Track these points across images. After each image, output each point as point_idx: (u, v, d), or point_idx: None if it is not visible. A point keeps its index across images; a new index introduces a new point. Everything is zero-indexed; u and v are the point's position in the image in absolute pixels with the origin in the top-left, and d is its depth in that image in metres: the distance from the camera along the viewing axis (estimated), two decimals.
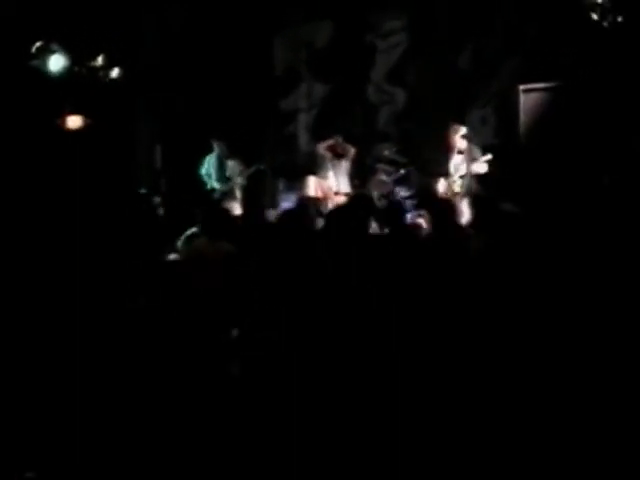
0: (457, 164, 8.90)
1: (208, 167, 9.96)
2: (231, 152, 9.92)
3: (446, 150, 9.04)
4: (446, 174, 8.95)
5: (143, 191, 9.30)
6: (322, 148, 9.53)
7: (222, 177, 9.89)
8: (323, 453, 3.05)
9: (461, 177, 8.82)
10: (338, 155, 9.47)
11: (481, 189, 8.54)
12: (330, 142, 9.49)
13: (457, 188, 8.74)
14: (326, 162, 9.50)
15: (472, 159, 8.81)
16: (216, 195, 9.81)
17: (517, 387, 3.19)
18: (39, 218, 7.28)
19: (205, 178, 9.96)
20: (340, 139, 9.47)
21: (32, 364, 3.66)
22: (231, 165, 9.90)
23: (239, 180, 9.89)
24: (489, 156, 8.82)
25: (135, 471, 3.19)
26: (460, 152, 8.93)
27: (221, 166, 9.90)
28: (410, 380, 3.23)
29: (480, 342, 3.36)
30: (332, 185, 9.43)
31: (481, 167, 8.75)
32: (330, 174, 9.45)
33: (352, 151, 9.53)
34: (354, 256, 4.11)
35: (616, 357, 3.25)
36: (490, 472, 2.99)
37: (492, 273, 4.01)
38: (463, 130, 8.87)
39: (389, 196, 9.40)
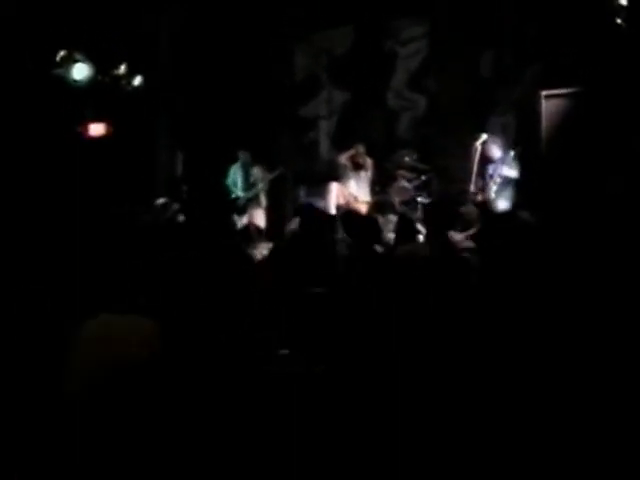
0: (491, 172, 8.83)
1: (234, 176, 10.00)
2: (255, 160, 9.94)
3: (470, 164, 8.98)
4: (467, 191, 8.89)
5: (163, 199, 9.35)
6: (343, 158, 9.54)
7: (247, 185, 9.92)
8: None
9: (494, 183, 8.75)
10: (358, 166, 9.48)
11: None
12: (351, 152, 9.49)
13: (492, 194, 8.69)
14: (347, 171, 9.52)
15: (502, 163, 8.74)
16: (241, 202, 9.83)
17: (522, 393, 3.17)
18: (59, 223, 7.36)
19: (231, 187, 9.99)
20: (361, 148, 9.46)
21: (31, 364, 3.67)
22: (255, 172, 9.94)
23: (262, 186, 9.92)
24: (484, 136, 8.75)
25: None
26: (490, 161, 8.86)
27: (246, 174, 9.95)
28: (413, 386, 3.22)
29: (483, 351, 3.33)
30: (353, 192, 9.45)
31: (512, 171, 8.69)
32: (352, 182, 9.47)
33: (370, 163, 9.53)
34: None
35: (628, 368, 3.22)
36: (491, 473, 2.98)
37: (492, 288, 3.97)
38: (484, 137, 8.82)
39: (410, 202, 9.39)
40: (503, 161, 8.74)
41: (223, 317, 3.76)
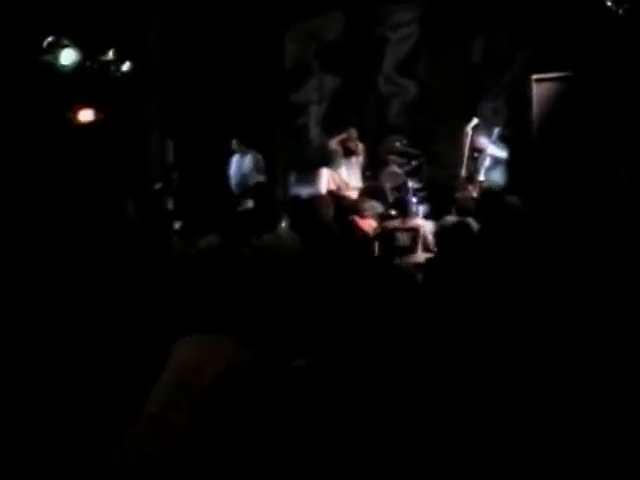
0: (480, 163, 8.86)
1: (238, 165, 9.96)
2: (247, 146, 9.89)
3: (459, 148, 8.98)
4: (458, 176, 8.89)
5: (158, 186, 9.30)
6: (334, 143, 9.52)
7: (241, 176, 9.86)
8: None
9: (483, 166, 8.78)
10: (349, 151, 9.45)
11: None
12: (343, 136, 9.46)
13: (482, 177, 8.72)
14: (338, 157, 9.49)
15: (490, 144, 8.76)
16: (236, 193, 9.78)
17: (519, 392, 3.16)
18: (48, 211, 7.31)
19: (235, 177, 9.95)
20: (354, 132, 9.44)
21: (31, 364, 3.64)
22: (247, 161, 9.89)
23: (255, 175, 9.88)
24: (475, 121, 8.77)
25: None
26: (480, 150, 8.88)
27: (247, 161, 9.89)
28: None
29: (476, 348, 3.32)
30: (345, 178, 9.42)
31: (500, 152, 8.72)
32: (343, 168, 9.43)
33: (362, 148, 9.51)
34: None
35: (618, 360, 3.21)
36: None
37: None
38: (475, 121, 8.84)
39: (401, 188, 9.39)
40: (491, 141, 8.78)
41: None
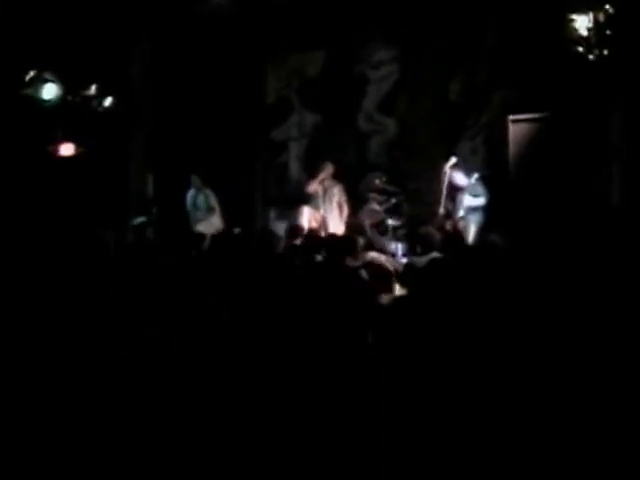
0: (458, 202, 8.93)
1: (192, 200, 9.90)
2: (209, 183, 9.86)
3: (440, 187, 9.06)
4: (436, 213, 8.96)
5: (140, 220, 9.28)
6: (312, 188, 9.51)
7: (207, 208, 9.83)
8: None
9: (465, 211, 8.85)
10: (327, 191, 9.46)
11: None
12: (321, 176, 9.47)
13: (459, 219, 8.77)
14: (317, 199, 9.51)
15: (474, 195, 8.83)
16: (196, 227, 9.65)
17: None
18: (28, 243, 7.28)
19: (191, 213, 9.89)
20: (330, 167, 9.47)
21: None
22: (210, 195, 9.87)
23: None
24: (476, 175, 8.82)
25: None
26: (458, 189, 8.96)
27: (204, 198, 9.86)
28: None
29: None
30: (326, 216, 9.45)
31: (476, 200, 8.79)
32: (322, 208, 9.45)
33: (339, 187, 9.52)
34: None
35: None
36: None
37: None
38: (453, 160, 8.94)
39: (380, 225, 9.46)
40: (467, 190, 8.85)
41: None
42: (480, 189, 8.80)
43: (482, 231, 8.24)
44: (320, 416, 3.16)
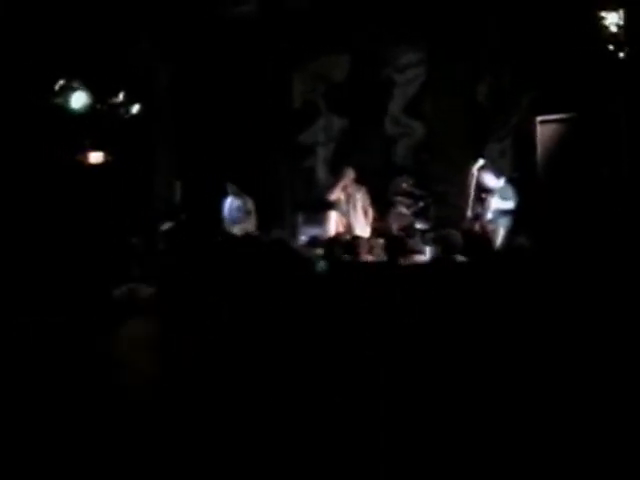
0: (487, 204, 8.85)
1: (230, 208, 10.01)
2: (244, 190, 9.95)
3: (466, 188, 8.99)
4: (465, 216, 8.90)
5: (167, 226, 9.34)
6: (334, 195, 9.48)
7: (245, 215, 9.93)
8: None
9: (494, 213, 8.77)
10: (350, 197, 9.43)
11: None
12: (343, 183, 9.45)
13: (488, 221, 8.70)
14: (341, 205, 9.51)
15: (503, 198, 8.74)
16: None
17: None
18: (60, 251, 7.37)
19: (227, 221, 9.99)
20: (352, 173, 9.44)
21: None
22: (248, 202, 9.96)
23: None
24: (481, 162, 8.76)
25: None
26: (488, 190, 8.88)
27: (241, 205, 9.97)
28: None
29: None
30: (351, 222, 9.44)
31: (505, 203, 8.70)
32: (349, 214, 9.44)
33: (363, 190, 9.49)
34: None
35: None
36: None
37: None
38: (481, 162, 8.86)
39: (408, 229, 9.40)
40: (497, 192, 8.76)
41: None
42: (510, 192, 8.71)
43: (511, 234, 8.15)
44: (320, 416, 3.15)
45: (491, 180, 8.84)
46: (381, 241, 7.66)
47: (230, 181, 9.91)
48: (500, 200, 8.72)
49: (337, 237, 7.95)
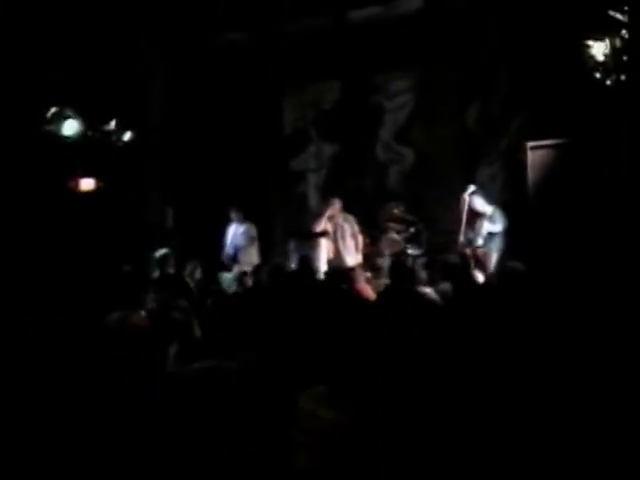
0: (478, 229, 8.90)
1: (234, 235, 10.07)
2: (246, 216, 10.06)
3: (457, 214, 9.05)
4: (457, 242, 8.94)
5: (164, 251, 9.34)
6: (320, 227, 9.49)
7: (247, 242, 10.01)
8: None
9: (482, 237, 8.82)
10: (337, 226, 9.45)
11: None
12: (328, 213, 9.46)
13: (480, 245, 8.75)
14: (330, 235, 9.53)
15: (491, 221, 8.80)
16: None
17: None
18: (50, 278, 7.34)
19: (227, 247, 10.05)
20: (337, 203, 9.46)
21: None
22: (250, 229, 10.04)
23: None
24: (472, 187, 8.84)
25: None
26: (477, 214, 8.93)
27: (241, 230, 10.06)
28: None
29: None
30: (340, 249, 9.45)
31: (495, 227, 8.76)
32: (338, 242, 9.47)
33: (350, 219, 9.51)
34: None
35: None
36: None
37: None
38: (472, 188, 8.93)
39: (400, 254, 9.43)
40: (486, 217, 8.82)
41: None
42: (498, 215, 8.78)
43: (503, 257, 8.19)
44: None
45: (481, 205, 8.91)
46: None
47: (234, 208, 10.00)
48: (489, 224, 8.79)
49: (334, 268, 7.97)
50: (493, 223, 8.77)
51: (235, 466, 3.08)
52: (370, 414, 2.97)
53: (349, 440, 2.87)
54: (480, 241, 8.81)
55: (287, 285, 5.36)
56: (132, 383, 3.53)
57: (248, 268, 9.57)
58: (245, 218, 10.01)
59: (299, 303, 4.79)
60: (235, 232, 10.06)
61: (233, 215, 10.03)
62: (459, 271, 5.80)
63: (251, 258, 9.84)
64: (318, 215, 9.72)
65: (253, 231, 10.00)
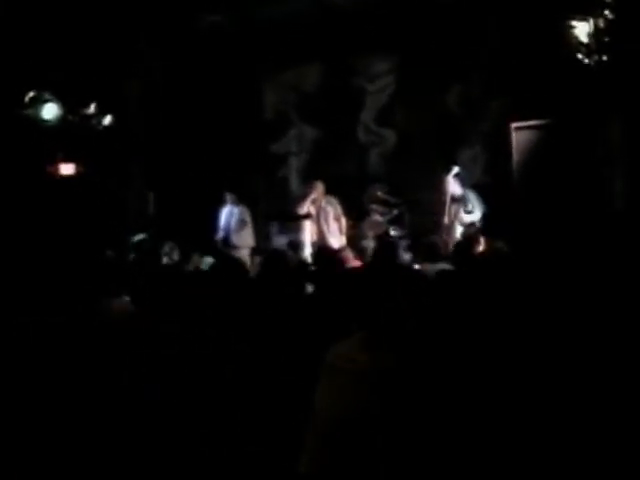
0: (456, 212, 8.90)
1: (227, 217, 10.04)
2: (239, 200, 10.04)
3: (440, 195, 9.06)
4: (441, 223, 8.95)
5: (140, 237, 9.25)
6: (305, 209, 9.49)
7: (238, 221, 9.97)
8: None
9: (462, 225, 8.83)
10: (321, 208, 9.43)
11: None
12: (312, 197, 9.43)
13: (458, 235, 8.73)
14: (313, 217, 9.52)
15: (467, 212, 8.82)
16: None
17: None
18: (28, 264, 7.24)
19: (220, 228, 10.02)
20: (320, 186, 9.44)
21: None
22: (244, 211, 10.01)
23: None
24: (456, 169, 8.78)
25: None
26: (455, 199, 8.94)
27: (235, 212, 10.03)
28: None
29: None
30: (325, 232, 9.44)
31: (471, 216, 8.77)
32: (321, 223, 9.45)
33: (333, 202, 9.50)
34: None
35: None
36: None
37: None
38: (455, 169, 8.95)
39: (383, 236, 9.45)
40: (462, 204, 8.82)
41: None
42: (473, 204, 8.75)
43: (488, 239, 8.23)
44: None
45: (457, 189, 8.93)
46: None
47: (228, 190, 9.97)
48: (467, 215, 8.80)
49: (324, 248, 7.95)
50: (468, 213, 8.76)
51: (235, 466, 3.07)
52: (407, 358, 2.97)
53: (386, 382, 2.86)
54: (459, 228, 8.81)
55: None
56: (132, 383, 3.52)
57: (245, 251, 9.59)
58: (239, 200, 9.98)
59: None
60: (228, 215, 10.01)
61: (228, 198, 9.97)
62: (462, 249, 5.78)
63: (246, 241, 9.82)
64: (302, 198, 9.69)
65: (246, 214, 9.96)
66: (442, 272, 5.43)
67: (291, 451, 2.96)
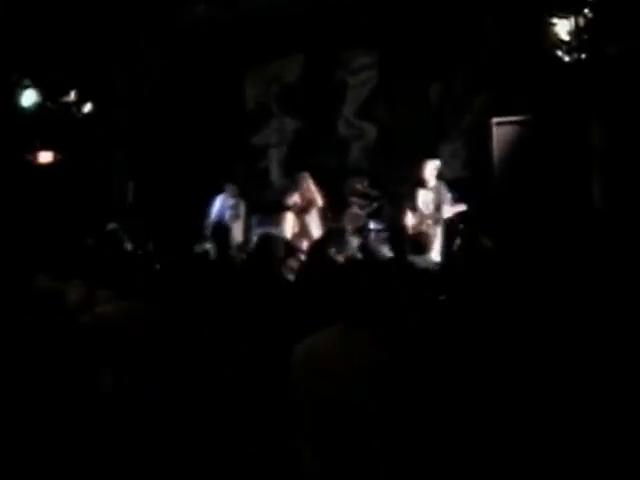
0: (426, 201, 8.86)
1: (221, 206, 9.98)
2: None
3: (416, 184, 9.07)
4: (414, 208, 8.93)
5: (114, 226, 9.19)
6: (291, 201, 9.37)
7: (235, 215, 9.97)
8: None
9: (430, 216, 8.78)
10: (309, 202, 9.40)
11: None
12: (301, 189, 9.42)
13: (425, 227, 8.64)
14: (297, 208, 9.48)
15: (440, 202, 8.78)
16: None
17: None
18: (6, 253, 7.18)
19: (212, 216, 9.95)
20: (308, 177, 9.43)
21: None
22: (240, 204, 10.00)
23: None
24: (463, 207, 8.52)
25: None
26: (430, 188, 8.92)
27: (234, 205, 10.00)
28: None
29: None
30: (306, 223, 9.43)
31: (449, 211, 8.70)
32: (305, 216, 9.44)
33: (318, 195, 9.48)
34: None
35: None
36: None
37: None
38: (437, 163, 8.96)
39: (362, 229, 9.47)
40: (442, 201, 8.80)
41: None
42: (447, 196, 8.69)
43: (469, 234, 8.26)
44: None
45: (432, 180, 8.87)
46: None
47: (229, 181, 9.94)
48: (448, 207, 8.75)
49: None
50: (449, 207, 8.70)
51: (235, 466, 3.08)
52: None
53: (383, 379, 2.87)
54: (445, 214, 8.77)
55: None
56: (132, 383, 3.51)
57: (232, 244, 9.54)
58: (239, 194, 9.96)
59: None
60: (223, 204, 9.95)
61: (228, 189, 9.92)
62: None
63: (234, 236, 9.75)
64: (291, 190, 9.62)
65: (241, 210, 9.93)
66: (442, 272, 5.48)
67: (291, 451, 2.98)
